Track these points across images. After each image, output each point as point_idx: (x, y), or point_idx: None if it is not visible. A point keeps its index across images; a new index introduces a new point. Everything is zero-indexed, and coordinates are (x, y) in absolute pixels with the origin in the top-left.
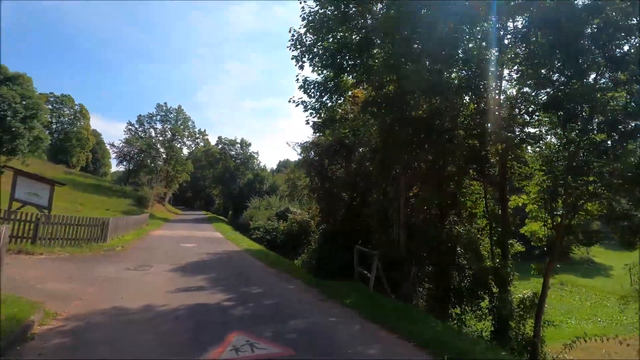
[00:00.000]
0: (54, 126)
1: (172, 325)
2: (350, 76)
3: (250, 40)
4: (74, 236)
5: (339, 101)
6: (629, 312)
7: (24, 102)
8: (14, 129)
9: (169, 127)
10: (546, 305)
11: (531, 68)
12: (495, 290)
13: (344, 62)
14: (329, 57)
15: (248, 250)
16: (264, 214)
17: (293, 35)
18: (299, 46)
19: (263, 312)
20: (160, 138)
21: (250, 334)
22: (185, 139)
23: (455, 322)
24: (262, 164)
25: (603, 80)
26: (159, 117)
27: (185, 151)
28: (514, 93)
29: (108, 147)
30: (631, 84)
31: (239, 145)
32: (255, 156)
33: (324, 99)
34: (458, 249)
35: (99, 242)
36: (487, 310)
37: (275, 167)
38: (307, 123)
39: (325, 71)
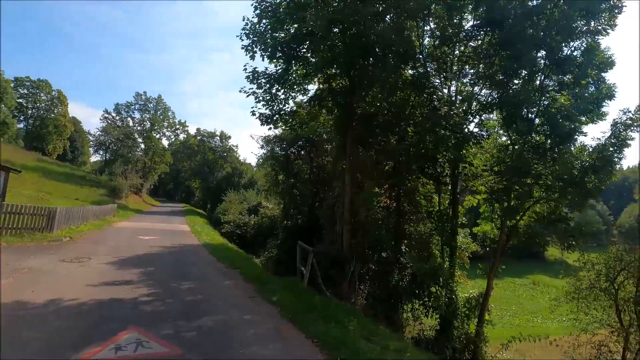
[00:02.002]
0: (30, 112)
1: (67, 322)
2: (304, 69)
3: (236, 31)
4: (14, 225)
5: (292, 93)
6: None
7: None
8: None
9: (147, 117)
10: (515, 305)
11: (478, 67)
12: (434, 289)
13: (296, 54)
14: (281, 48)
15: (207, 244)
16: (237, 208)
17: (247, 24)
18: (251, 35)
19: (178, 308)
20: (139, 128)
21: (146, 332)
22: (164, 130)
23: (394, 321)
24: (241, 158)
25: (551, 83)
26: (137, 106)
27: (164, 142)
28: (463, 91)
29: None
30: (575, 87)
31: (218, 138)
32: (235, 149)
33: (273, 91)
34: (403, 247)
35: (44, 232)
36: (430, 309)
37: (260, 161)
38: (253, 114)
39: (280, 62)
